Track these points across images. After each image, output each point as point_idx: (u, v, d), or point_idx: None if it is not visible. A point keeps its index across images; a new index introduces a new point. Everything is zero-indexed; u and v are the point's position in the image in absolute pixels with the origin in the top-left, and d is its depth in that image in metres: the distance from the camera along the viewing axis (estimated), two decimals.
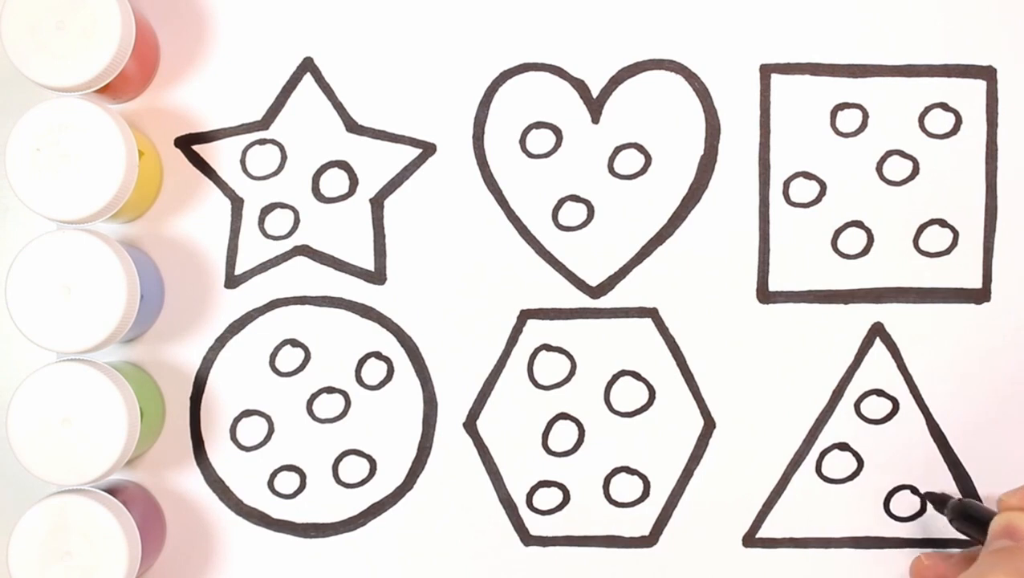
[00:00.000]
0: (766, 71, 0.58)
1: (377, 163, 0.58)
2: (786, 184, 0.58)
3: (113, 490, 0.54)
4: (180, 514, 0.58)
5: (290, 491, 0.58)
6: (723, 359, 0.58)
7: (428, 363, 0.58)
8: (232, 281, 0.58)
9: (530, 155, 0.58)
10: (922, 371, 0.58)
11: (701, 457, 0.58)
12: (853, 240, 0.58)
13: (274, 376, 0.58)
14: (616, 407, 0.58)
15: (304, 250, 0.58)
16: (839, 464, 0.58)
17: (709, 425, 0.58)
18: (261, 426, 0.58)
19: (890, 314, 0.58)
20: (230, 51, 0.58)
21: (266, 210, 0.58)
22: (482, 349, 0.58)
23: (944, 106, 0.58)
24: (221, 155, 0.58)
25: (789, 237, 0.58)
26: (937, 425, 0.58)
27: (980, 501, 0.58)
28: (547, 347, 0.58)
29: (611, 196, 0.58)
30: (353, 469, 0.58)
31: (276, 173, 0.58)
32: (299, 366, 0.58)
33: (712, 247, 0.58)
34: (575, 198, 0.58)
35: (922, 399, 0.58)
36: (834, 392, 0.58)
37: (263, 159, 0.58)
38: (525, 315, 0.58)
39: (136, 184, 0.53)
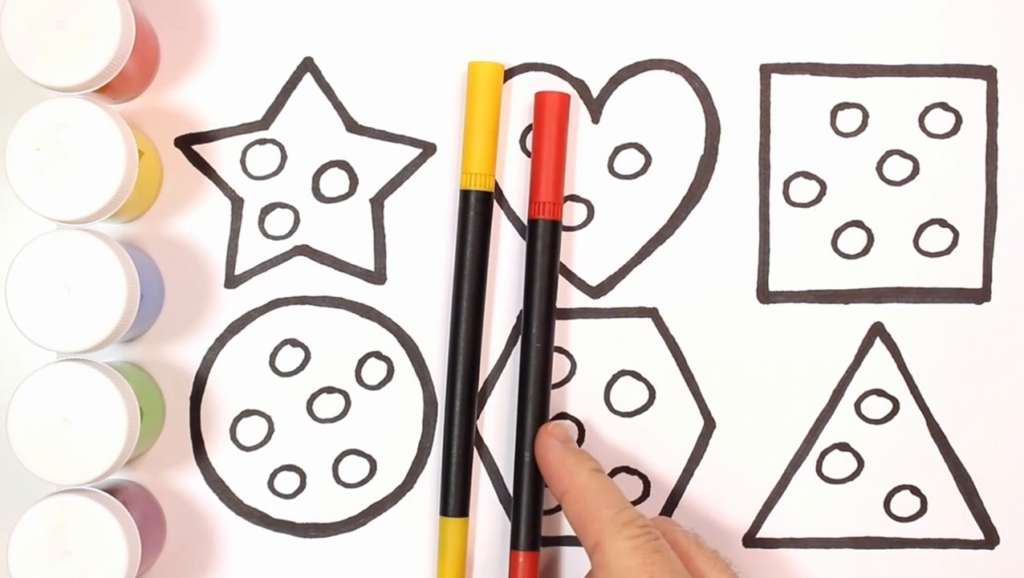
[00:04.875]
0: (766, 71, 0.58)
1: (377, 163, 0.58)
2: (786, 184, 0.58)
3: (113, 490, 0.54)
4: (180, 514, 0.58)
5: (290, 491, 0.58)
6: (723, 359, 0.58)
7: (428, 363, 0.58)
8: (232, 281, 0.58)
9: (530, 155, 0.58)
10: (922, 371, 0.58)
11: (701, 457, 0.58)
12: (853, 240, 0.58)
13: (274, 376, 0.58)
14: (616, 407, 0.58)
15: (304, 250, 0.58)
16: (839, 464, 0.58)
17: (709, 425, 0.58)
18: (261, 426, 0.58)
19: (890, 314, 0.58)
20: (230, 51, 0.58)
21: (266, 210, 0.58)
22: (482, 349, 0.58)
23: (944, 106, 0.58)
24: (221, 155, 0.58)
25: (789, 237, 0.58)
26: (937, 425, 0.58)
27: (981, 500, 0.58)
28: None
29: (611, 196, 0.58)
30: (353, 469, 0.58)
31: (276, 173, 0.58)
32: (299, 366, 0.58)
33: (712, 247, 0.58)
34: (575, 198, 0.58)
35: (922, 399, 0.58)
36: (834, 392, 0.58)
37: (263, 159, 0.58)
38: None
39: (136, 184, 0.53)
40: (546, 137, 0.57)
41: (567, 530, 0.58)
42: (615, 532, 0.49)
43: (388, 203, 0.58)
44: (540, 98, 0.57)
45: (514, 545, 0.56)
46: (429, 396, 0.58)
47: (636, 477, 0.58)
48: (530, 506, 0.56)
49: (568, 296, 0.58)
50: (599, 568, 0.49)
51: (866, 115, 0.58)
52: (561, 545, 0.58)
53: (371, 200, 0.58)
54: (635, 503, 0.58)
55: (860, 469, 0.58)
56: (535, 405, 0.56)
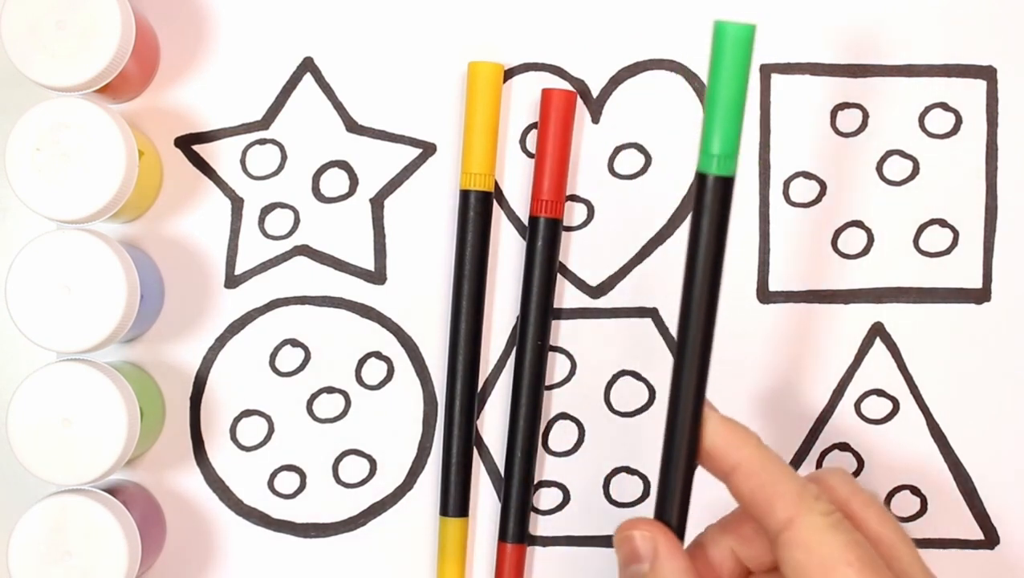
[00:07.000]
0: (766, 71, 0.58)
1: (377, 163, 0.58)
2: (786, 184, 0.58)
3: (113, 490, 0.54)
4: (180, 514, 0.58)
5: (290, 491, 0.58)
6: (723, 359, 0.58)
7: (428, 363, 0.58)
8: (232, 281, 0.58)
9: (530, 155, 0.58)
10: (922, 371, 0.58)
11: None
12: (853, 240, 0.58)
13: (274, 376, 0.58)
14: (616, 407, 0.58)
15: (304, 250, 0.58)
16: (839, 464, 0.58)
17: None
18: (261, 426, 0.58)
19: (890, 314, 0.58)
20: (230, 51, 0.58)
21: (266, 210, 0.58)
22: (482, 349, 0.58)
23: (944, 106, 0.58)
24: (221, 155, 0.58)
25: (789, 237, 0.58)
26: (937, 425, 0.58)
27: (981, 500, 0.58)
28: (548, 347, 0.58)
29: (611, 196, 0.58)
30: (353, 469, 0.58)
31: (276, 173, 0.58)
32: (299, 366, 0.58)
33: None
34: (575, 198, 0.58)
35: (922, 399, 0.58)
36: (834, 392, 0.58)
37: (263, 159, 0.58)
38: None
39: (136, 184, 0.53)
40: (550, 135, 0.57)
41: (568, 530, 0.58)
42: (810, 507, 0.44)
43: (388, 203, 0.58)
44: (546, 95, 0.57)
45: (502, 538, 0.57)
46: (429, 396, 0.58)
47: (636, 477, 0.58)
48: (519, 499, 0.57)
49: (568, 296, 0.58)
50: (795, 546, 0.43)
51: (866, 115, 0.58)
52: (561, 545, 0.58)
53: (371, 200, 0.58)
54: (635, 503, 0.58)
55: (860, 469, 0.58)
56: (529, 396, 0.56)
